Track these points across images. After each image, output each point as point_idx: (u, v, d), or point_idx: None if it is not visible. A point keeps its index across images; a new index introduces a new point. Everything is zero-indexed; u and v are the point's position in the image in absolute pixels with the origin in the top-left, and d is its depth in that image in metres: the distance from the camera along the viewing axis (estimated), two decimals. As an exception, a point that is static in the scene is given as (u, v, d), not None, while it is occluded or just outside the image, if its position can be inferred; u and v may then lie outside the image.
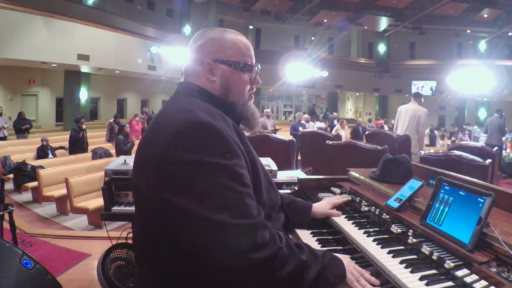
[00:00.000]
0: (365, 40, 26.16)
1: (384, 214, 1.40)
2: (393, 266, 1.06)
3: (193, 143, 0.91)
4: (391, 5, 21.36)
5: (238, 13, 23.38)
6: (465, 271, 0.97)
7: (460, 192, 1.17)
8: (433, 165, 2.11)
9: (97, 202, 4.87)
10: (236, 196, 0.91)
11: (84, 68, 13.85)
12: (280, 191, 1.37)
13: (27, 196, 6.31)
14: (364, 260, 1.18)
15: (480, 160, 2.88)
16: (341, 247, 1.33)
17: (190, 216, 0.89)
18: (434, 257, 1.05)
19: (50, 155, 7.66)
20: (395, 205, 1.40)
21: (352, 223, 1.41)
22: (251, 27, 24.49)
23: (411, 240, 1.17)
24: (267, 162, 2.47)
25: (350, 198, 1.65)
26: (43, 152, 7.61)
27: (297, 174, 2.43)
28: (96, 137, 10.43)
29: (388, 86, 23.74)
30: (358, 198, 1.65)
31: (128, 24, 15.96)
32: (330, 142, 4.22)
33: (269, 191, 1.10)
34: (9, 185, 6.55)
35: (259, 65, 1.18)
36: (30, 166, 6.34)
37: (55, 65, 12.87)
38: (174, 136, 0.92)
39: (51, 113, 16.14)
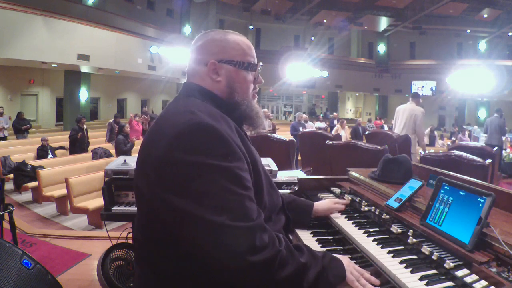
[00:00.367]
0: (365, 40, 26.16)
1: (384, 214, 1.40)
2: (393, 266, 1.06)
3: (195, 145, 0.91)
4: (391, 5, 21.36)
5: (238, 13, 23.38)
6: (465, 271, 0.97)
7: (460, 192, 1.17)
8: (433, 165, 2.11)
9: (97, 202, 4.87)
10: (236, 198, 0.91)
11: (84, 68, 13.85)
12: (280, 191, 1.37)
13: (27, 196, 6.31)
14: (364, 260, 1.18)
15: (480, 160, 2.87)
16: (341, 247, 1.34)
17: (190, 217, 0.89)
18: (434, 257, 1.05)
19: (50, 155, 7.66)
20: (395, 205, 1.40)
21: (352, 223, 1.41)
22: (251, 27, 24.49)
23: (411, 240, 1.17)
24: (267, 162, 2.47)
25: (350, 198, 1.65)
26: (43, 152, 7.61)
27: (297, 174, 2.43)
28: (96, 137, 10.43)
29: (388, 86, 23.74)
30: (358, 198, 1.65)
31: (128, 24, 15.96)
32: (330, 142, 4.22)
33: (270, 193, 1.11)
34: (9, 185, 6.55)
35: (261, 64, 1.19)
36: (30, 166, 6.34)
37: (55, 65, 12.87)
38: (176, 138, 0.93)
39: (51, 113, 16.14)
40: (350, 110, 29.55)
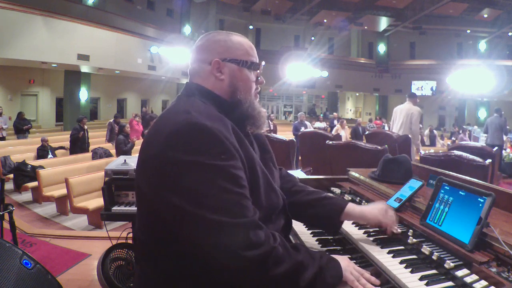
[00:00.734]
0: (365, 40, 26.14)
1: (384, 214, 1.39)
2: (393, 266, 1.06)
3: (189, 144, 0.93)
4: (391, 5, 21.36)
5: (238, 13, 23.38)
6: (465, 271, 0.97)
7: (460, 192, 1.17)
8: (433, 165, 2.11)
9: (97, 202, 4.87)
10: (230, 196, 0.92)
11: (84, 68, 13.85)
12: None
13: (27, 196, 6.31)
14: (364, 260, 1.18)
15: (480, 160, 2.87)
16: (341, 247, 1.34)
17: (186, 215, 0.90)
18: (434, 257, 1.05)
19: (50, 155, 7.66)
20: (395, 205, 1.40)
21: (352, 223, 1.41)
22: (251, 27, 24.49)
23: (411, 240, 1.17)
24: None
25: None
26: (43, 152, 7.61)
27: (297, 174, 2.42)
28: (96, 137, 10.43)
29: (388, 86, 23.73)
30: (358, 198, 1.65)
31: (128, 24, 15.95)
32: (330, 142, 4.22)
33: (269, 193, 1.11)
34: (9, 185, 6.55)
35: (263, 63, 1.21)
36: (30, 166, 6.34)
37: (55, 65, 12.87)
38: (170, 137, 0.94)
39: (51, 113, 16.14)
40: (350, 110, 29.55)
